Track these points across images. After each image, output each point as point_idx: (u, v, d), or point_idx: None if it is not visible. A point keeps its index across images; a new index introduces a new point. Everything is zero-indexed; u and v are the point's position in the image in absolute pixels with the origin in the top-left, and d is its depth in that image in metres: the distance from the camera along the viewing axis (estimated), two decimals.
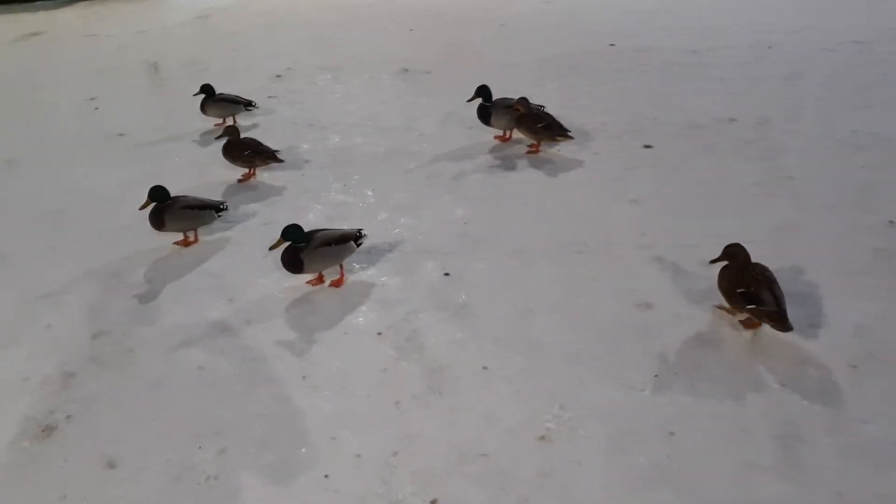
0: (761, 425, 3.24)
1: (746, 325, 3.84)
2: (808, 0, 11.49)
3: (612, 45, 9.58)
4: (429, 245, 4.89)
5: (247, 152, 5.89)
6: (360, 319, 4.14)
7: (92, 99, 8.49)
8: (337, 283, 4.49)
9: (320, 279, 4.52)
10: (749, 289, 3.64)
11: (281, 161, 6.05)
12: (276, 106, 7.88)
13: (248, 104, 7.18)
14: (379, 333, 4.00)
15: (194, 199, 5.03)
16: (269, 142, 6.56)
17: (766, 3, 11.55)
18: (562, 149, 6.22)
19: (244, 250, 4.93)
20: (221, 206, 5.06)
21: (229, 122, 7.22)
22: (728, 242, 3.93)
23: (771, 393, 3.41)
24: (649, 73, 8.28)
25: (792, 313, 3.83)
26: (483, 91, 6.29)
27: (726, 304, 3.87)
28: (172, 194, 4.95)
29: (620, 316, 4.01)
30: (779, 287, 3.68)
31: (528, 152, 6.21)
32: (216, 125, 7.22)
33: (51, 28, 12.97)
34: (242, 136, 6.07)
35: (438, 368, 3.69)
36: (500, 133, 6.56)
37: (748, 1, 11.82)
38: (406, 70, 8.94)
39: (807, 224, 4.81)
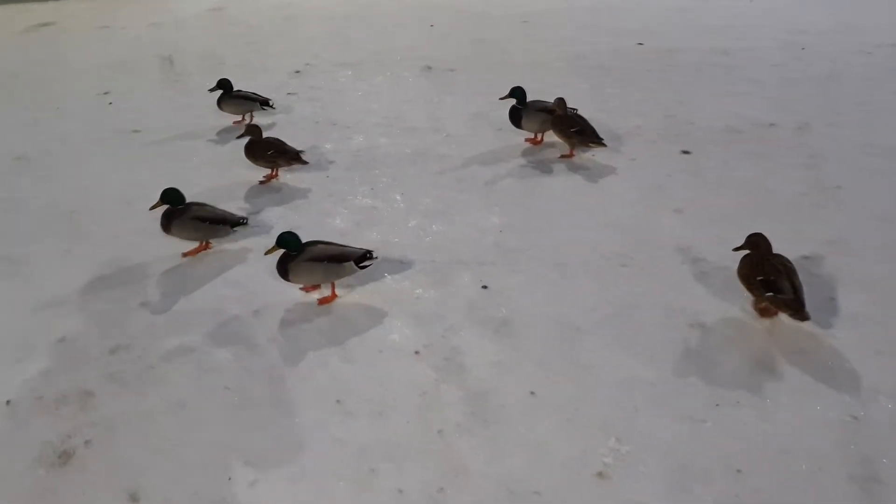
0: (836, 463, 3.00)
1: (763, 313, 3.84)
2: (838, 0, 11.22)
3: (641, 44, 9.32)
4: (463, 255, 4.65)
5: (270, 152, 5.65)
6: (395, 336, 3.90)
7: (105, 93, 8.25)
8: (323, 301, 4.21)
9: (313, 288, 4.28)
10: (769, 277, 3.65)
11: (305, 163, 5.82)
12: (296, 103, 7.63)
13: (264, 102, 6.93)
14: (416, 352, 3.76)
15: (211, 209, 4.70)
16: (291, 141, 6.31)
17: (795, 3, 11.27)
18: (596, 154, 5.97)
19: (269, 258, 4.67)
20: (241, 221, 4.74)
21: (248, 119, 6.99)
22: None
23: (843, 426, 3.16)
24: (681, 74, 8.02)
25: (856, 336, 3.62)
26: (517, 93, 6.04)
27: (759, 304, 3.85)
28: (193, 196, 4.71)
29: (672, 337, 3.76)
30: (798, 278, 3.68)
31: (562, 157, 5.96)
32: (235, 123, 7.00)
33: (61, 19, 12.73)
34: (264, 135, 5.83)
35: (482, 393, 3.45)
36: (532, 136, 6.31)
37: (776, 1, 11.54)
38: (429, 68, 8.68)
39: (860, 238, 4.56)
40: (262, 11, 12.48)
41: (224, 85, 6.90)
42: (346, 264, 4.06)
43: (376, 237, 4.91)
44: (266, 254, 4.14)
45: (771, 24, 10.07)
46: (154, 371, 3.71)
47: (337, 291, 4.26)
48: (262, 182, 5.80)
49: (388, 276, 4.46)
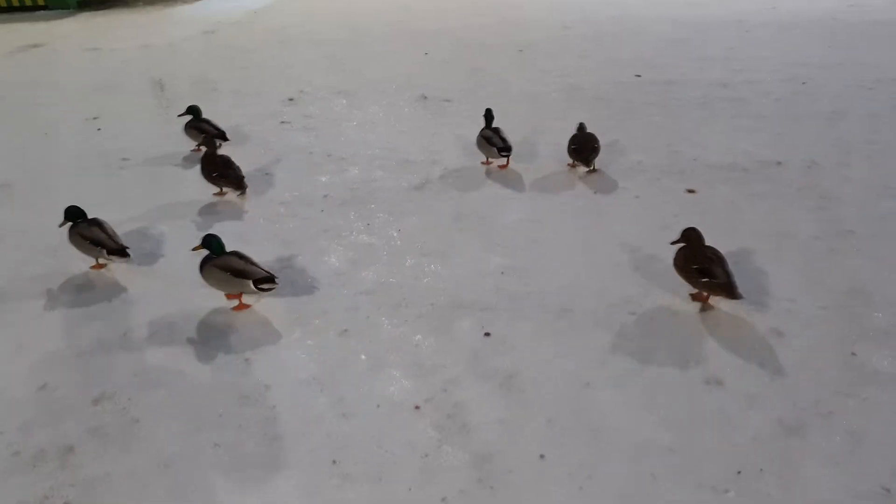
0: None
1: (695, 298, 4.30)
2: (837, 33, 11.16)
3: (638, 75, 9.20)
4: (464, 298, 4.45)
5: (214, 174, 5.82)
6: (394, 389, 3.70)
7: (94, 118, 8.06)
8: (236, 308, 4.40)
9: (232, 297, 4.44)
10: (703, 265, 4.10)
11: (245, 188, 5.87)
12: (290, 133, 7.46)
13: (218, 136, 6.78)
14: (416, 407, 3.55)
15: (95, 232, 4.72)
16: (286, 173, 6.24)
17: (793, 35, 11.21)
18: (599, 190, 5.81)
19: (261, 301, 4.48)
20: (121, 252, 4.68)
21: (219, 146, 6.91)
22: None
23: (875, 500, 2.97)
24: (682, 108, 7.89)
25: (880, 396, 3.46)
26: (485, 114, 6.41)
27: (693, 291, 4.31)
28: (179, 224, 4.66)
29: (688, 395, 3.56)
30: (728, 264, 4.13)
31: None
32: (193, 150, 7.04)
33: (51, 40, 12.56)
34: (233, 157, 5.94)
35: (488, 456, 3.24)
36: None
37: (773, 32, 11.48)
38: (425, 97, 8.53)
39: (880, 288, 4.37)
40: (256, 35, 12.36)
41: (193, 111, 6.91)
42: (245, 282, 4.18)
43: (372, 277, 4.72)
44: (192, 250, 4.43)
45: (768, 56, 9.98)
46: (139, 425, 3.49)
47: (332, 335, 4.10)
48: (216, 194, 5.99)
49: (386, 321, 4.26)
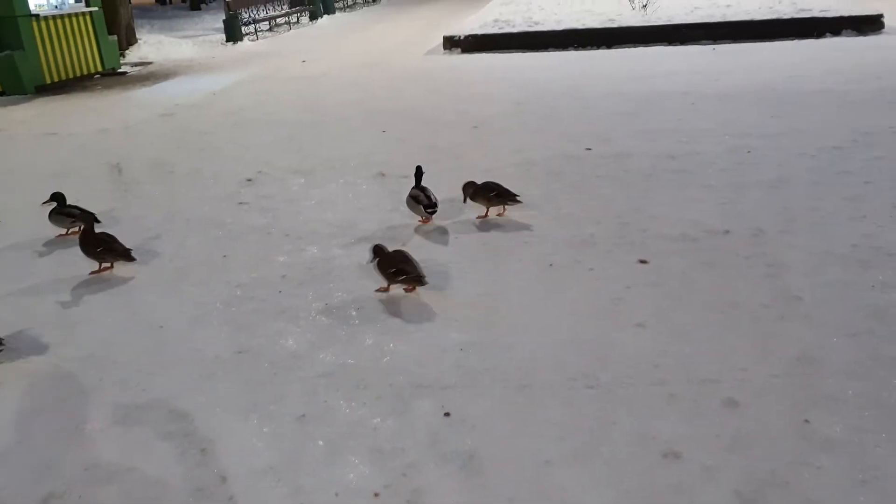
0: None
1: (407, 290, 5.52)
2: (777, 103, 11.60)
3: (589, 149, 9.43)
4: (423, 377, 4.45)
5: (99, 249, 5.94)
6: (352, 476, 3.65)
7: (47, 203, 7.98)
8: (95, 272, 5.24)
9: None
10: (398, 266, 5.28)
11: (133, 259, 6.00)
12: (248, 214, 7.48)
13: (86, 220, 6.65)
14: (375, 494, 3.51)
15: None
16: (244, 254, 6.25)
17: (736, 106, 11.61)
18: (555, 263, 5.90)
19: (217, 386, 4.44)
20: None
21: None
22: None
23: None
24: (631, 180, 8.09)
25: (835, 464, 3.50)
26: (415, 172, 6.94)
27: (383, 285, 5.52)
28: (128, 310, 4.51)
29: (647, 469, 3.58)
30: (415, 261, 5.39)
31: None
32: (58, 236, 7.01)
33: (8, 126, 12.54)
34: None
35: None
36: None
37: (718, 104, 11.89)
38: (383, 174, 8.65)
39: (829, 355, 4.46)
40: (214, 118, 12.45)
41: (58, 198, 6.94)
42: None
43: (330, 359, 4.71)
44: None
45: (715, 127, 10.30)
46: None
47: (289, 421, 4.06)
48: (92, 273, 6.06)
49: (344, 404, 4.24)
